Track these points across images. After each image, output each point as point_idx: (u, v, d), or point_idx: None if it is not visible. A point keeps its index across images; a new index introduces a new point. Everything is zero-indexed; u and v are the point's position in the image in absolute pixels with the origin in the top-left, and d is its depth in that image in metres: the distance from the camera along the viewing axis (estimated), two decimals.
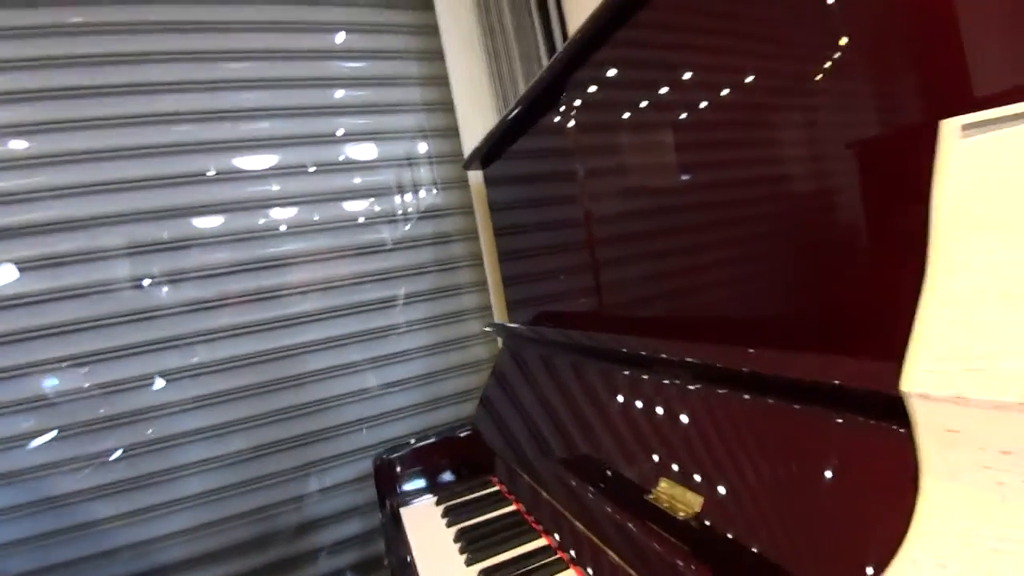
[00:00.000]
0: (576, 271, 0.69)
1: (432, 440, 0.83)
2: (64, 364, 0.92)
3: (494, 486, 0.73)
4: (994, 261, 0.21)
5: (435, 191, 1.21)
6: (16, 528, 0.89)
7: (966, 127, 0.23)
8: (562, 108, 0.66)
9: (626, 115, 0.54)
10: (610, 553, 0.43)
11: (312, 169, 1.09)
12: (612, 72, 0.55)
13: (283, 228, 1.06)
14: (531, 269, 0.87)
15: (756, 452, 0.34)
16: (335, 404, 1.09)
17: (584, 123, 0.63)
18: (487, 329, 1.14)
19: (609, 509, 0.44)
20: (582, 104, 0.62)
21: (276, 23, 1.07)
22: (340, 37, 1.13)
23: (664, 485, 0.41)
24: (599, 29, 0.53)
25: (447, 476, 0.81)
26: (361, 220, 1.14)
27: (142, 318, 0.97)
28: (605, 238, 0.63)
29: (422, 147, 1.20)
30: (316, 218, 1.09)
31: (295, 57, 1.08)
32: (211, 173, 1.02)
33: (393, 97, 1.17)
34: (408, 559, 0.59)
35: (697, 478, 0.38)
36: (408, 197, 1.19)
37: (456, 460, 0.82)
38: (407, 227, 1.18)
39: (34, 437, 0.91)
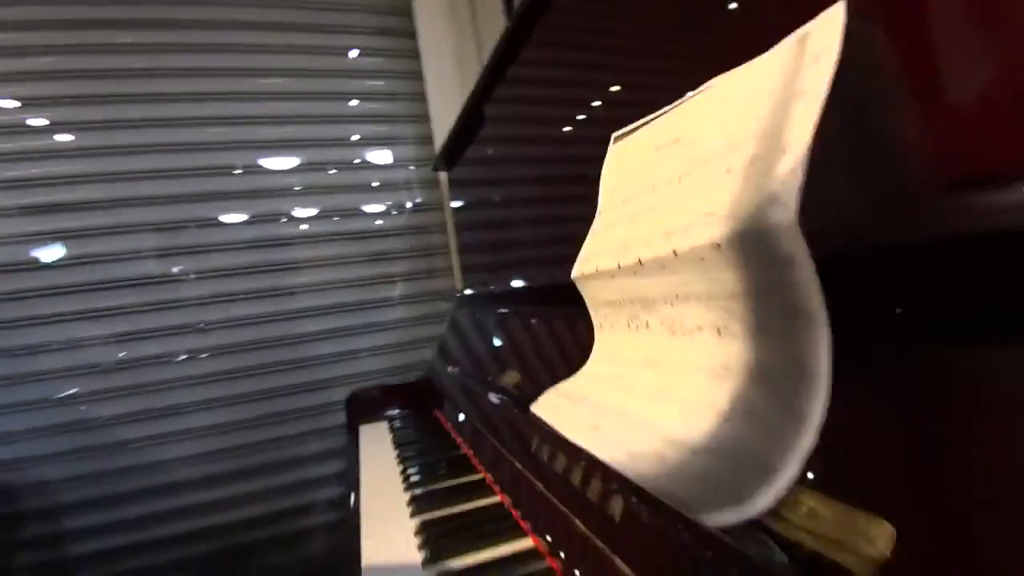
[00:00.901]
0: (516, 247, 0.89)
1: (392, 383, 1.05)
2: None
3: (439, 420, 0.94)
4: (607, 212, 0.42)
5: (415, 190, 1.43)
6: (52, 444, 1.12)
7: (616, 137, 0.44)
8: (491, 117, 0.87)
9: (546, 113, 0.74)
10: (516, 463, 0.54)
11: (315, 168, 1.32)
12: (523, 83, 0.76)
13: (290, 215, 1.29)
14: (483, 257, 1.08)
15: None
16: (321, 362, 1.31)
17: (502, 136, 0.84)
18: (447, 300, 1.35)
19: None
20: (503, 115, 0.83)
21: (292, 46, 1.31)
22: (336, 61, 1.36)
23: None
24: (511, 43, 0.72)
25: (401, 410, 1.02)
26: (354, 212, 1.36)
27: (168, 281, 1.20)
28: (538, 219, 0.81)
29: (406, 152, 1.42)
30: (315, 208, 1.32)
31: (308, 75, 1.32)
32: (238, 171, 1.25)
33: (384, 110, 1.40)
34: (357, 456, 0.80)
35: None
36: (392, 195, 1.41)
37: (411, 399, 1.03)
38: (392, 219, 1.40)
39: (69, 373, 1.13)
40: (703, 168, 0.30)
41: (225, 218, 1.25)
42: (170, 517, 1.19)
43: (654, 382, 0.34)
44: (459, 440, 0.75)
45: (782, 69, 0.26)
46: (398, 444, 0.81)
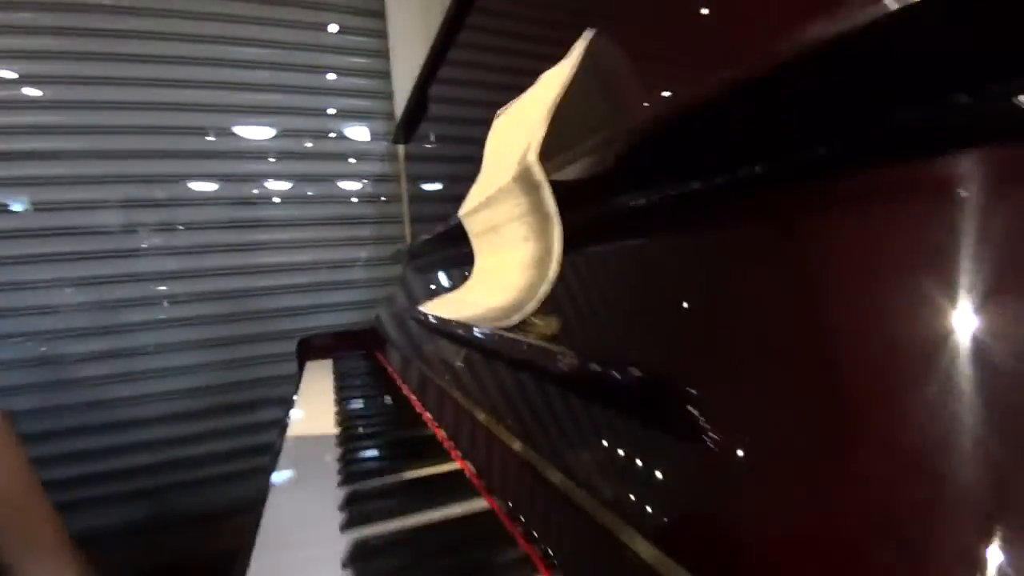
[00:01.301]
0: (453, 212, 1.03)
1: (339, 331, 1.19)
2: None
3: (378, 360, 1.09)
4: (484, 169, 0.57)
5: (377, 162, 1.55)
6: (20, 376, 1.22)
7: (497, 114, 0.58)
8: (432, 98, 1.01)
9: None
10: (423, 369, 0.75)
11: (286, 135, 1.43)
12: (461, 66, 0.90)
13: (258, 177, 1.41)
14: (428, 225, 1.22)
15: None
16: (282, 315, 1.43)
17: (444, 115, 0.98)
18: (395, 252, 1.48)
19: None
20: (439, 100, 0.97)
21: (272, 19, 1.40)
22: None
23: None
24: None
25: (348, 353, 1.16)
26: (321, 177, 1.48)
27: (133, 231, 1.30)
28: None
29: (373, 126, 1.54)
30: (282, 171, 1.43)
31: (284, 47, 1.42)
32: (209, 138, 1.35)
33: (353, 85, 1.51)
34: (298, 381, 0.94)
35: None
36: (357, 166, 1.53)
37: (356, 344, 1.17)
38: (356, 188, 1.52)
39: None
40: (520, 135, 0.45)
41: (195, 180, 1.36)
42: (131, 450, 1.30)
43: (495, 280, 0.49)
44: (385, 364, 0.90)
45: (560, 71, 0.41)
46: (337, 372, 0.95)
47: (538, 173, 0.37)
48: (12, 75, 1.21)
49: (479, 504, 0.40)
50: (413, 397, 0.69)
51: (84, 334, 1.27)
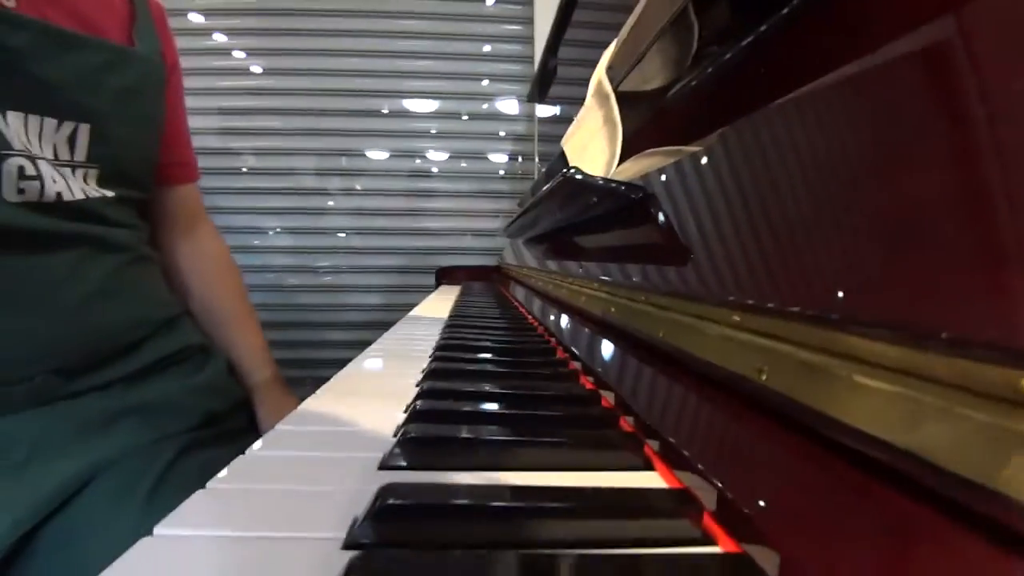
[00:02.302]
0: None
1: (470, 265, 1.38)
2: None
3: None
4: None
5: (516, 121, 1.71)
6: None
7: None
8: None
9: None
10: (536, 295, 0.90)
11: (443, 97, 1.66)
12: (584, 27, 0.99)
13: (423, 147, 1.66)
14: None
15: None
16: (434, 253, 1.68)
17: (571, 77, 1.07)
18: None
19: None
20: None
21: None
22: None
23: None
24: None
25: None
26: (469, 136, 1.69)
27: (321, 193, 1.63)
28: None
29: (516, 88, 1.69)
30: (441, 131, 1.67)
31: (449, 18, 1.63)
32: (384, 111, 1.64)
33: (506, 51, 1.67)
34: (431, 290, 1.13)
35: None
36: (496, 123, 1.70)
37: (483, 276, 1.36)
38: (496, 145, 1.70)
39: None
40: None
41: (371, 150, 1.65)
42: (315, 346, 1.67)
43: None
44: (503, 290, 1.05)
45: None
46: (463, 289, 1.13)
47: (606, 84, 0.46)
48: (241, 58, 1.59)
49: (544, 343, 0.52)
50: (521, 308, 0.83)
51: (286, 269, 1.65)
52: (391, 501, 0.18)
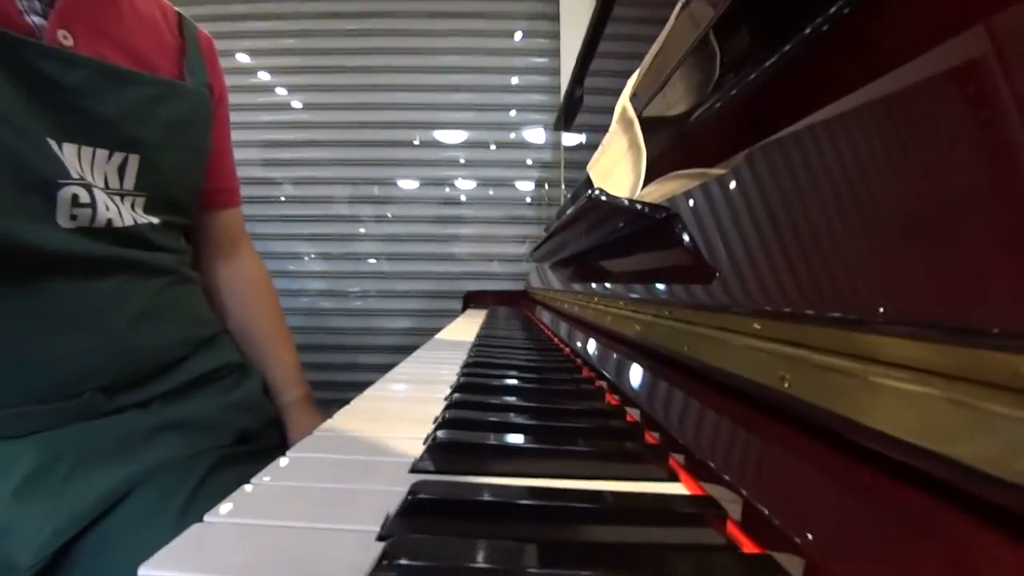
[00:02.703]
0: None
1: (498, 289, 1.39)
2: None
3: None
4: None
5: (543, 149, 1.75)
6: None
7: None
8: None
9: None
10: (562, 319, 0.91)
11: (472, 127, 1.71)
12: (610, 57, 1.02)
13: (452, 176, 1.71)
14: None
15: None
16: (459, 277, 1.71)
17: (595, 106, 1.10)
18: None
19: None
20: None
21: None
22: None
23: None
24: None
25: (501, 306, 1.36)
26: (497, 164, 1.73)
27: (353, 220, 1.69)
28: None
29: (542, 118, 1.74)
30: (470, 159, 1.72)
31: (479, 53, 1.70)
32: (415, 143, 1.70)
33: (533, 82, 1.73)
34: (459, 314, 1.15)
35: None
36: (524, 152, 1.74)
37: (510, 301, 1.37)
38: (523, 172, 1.74)
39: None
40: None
41: (402, 180, 1.72)
42: (344, 368, 1.70)
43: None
44: (530, 314, 1.06)
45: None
46: (489, 313, 1.14)
47: (630, 110, 0.48)
48: (283, 95, 1.69)
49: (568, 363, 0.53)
50: (547, 330, 0.83)
51: (319, 294, 1.71)
52: (422, 496, 0.19)
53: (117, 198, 0.50)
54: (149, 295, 0.53)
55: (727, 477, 0.22)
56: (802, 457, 0.20)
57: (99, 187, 0.48)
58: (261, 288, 0.78)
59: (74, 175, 0.46)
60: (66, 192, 0.45)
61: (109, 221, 0.49)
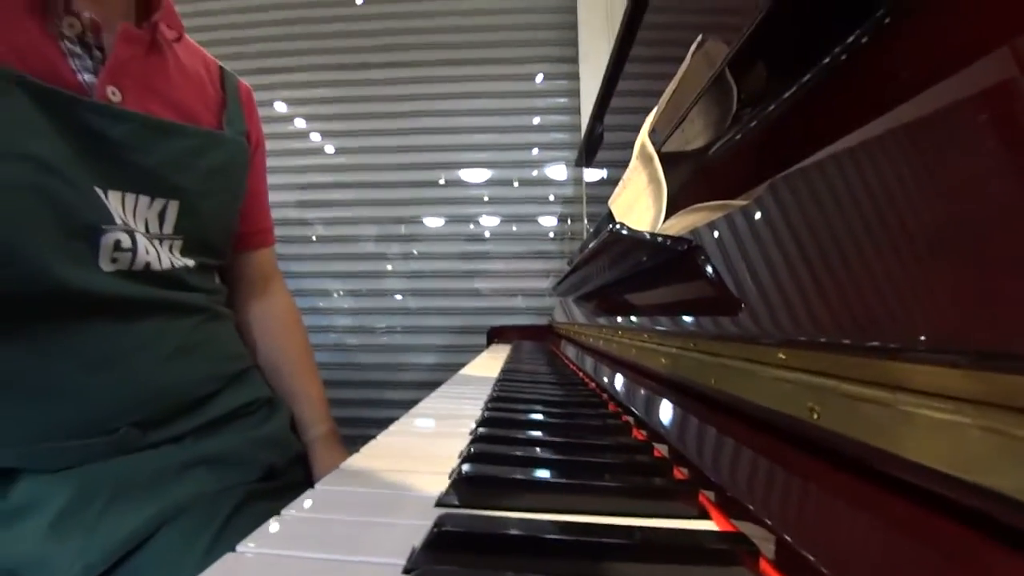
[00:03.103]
0: None
1: (519, 325, 1.40)
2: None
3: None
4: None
5: (565, 185, 1.77)
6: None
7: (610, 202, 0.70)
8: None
9: None
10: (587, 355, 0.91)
11: (495, 166, 1.76)
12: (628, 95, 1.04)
13: (476, 213, 1.75)
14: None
15: None
16: (483, 313, 1.72)
17: (616, 142, 1.12)
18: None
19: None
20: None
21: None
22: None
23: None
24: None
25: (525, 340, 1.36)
26: (519, 201, 1.77)
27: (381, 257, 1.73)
28: None
29: (564, 155, 1.77)
30: (493, 197, 1.76)
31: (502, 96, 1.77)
32: (441, 182, 1.76)
33: (554, 122, 1.78)
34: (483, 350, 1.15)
35: None
36: (546, 188, 1.77)
37: (535, 336, 1.36)
38: (546, 208, 1.77)
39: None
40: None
41: (428, 217, 1.76)
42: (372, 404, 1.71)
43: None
44: (554, 349, 1.06)
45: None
46: (513, 347, 1.14)
47: (649, 146, 0.49)
48: (317, 140, 1.77)
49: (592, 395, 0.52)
50: (571, 365, 0.83)
51: (346, 330, 1.74)
52: (447, 528, 0.19)
53: (156, 242, 0.52)
54: (183, 334, 0.55)
55: (758, 514, 0.21)
56: (835, 490, 0.20)
57: (140, 232, 0.50)
58: (291, 324, 0.80)
59: (118, 221, 0.48)
60: (109, 238, 0.47)
61: (147, 264, 0.51)
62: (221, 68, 0.65)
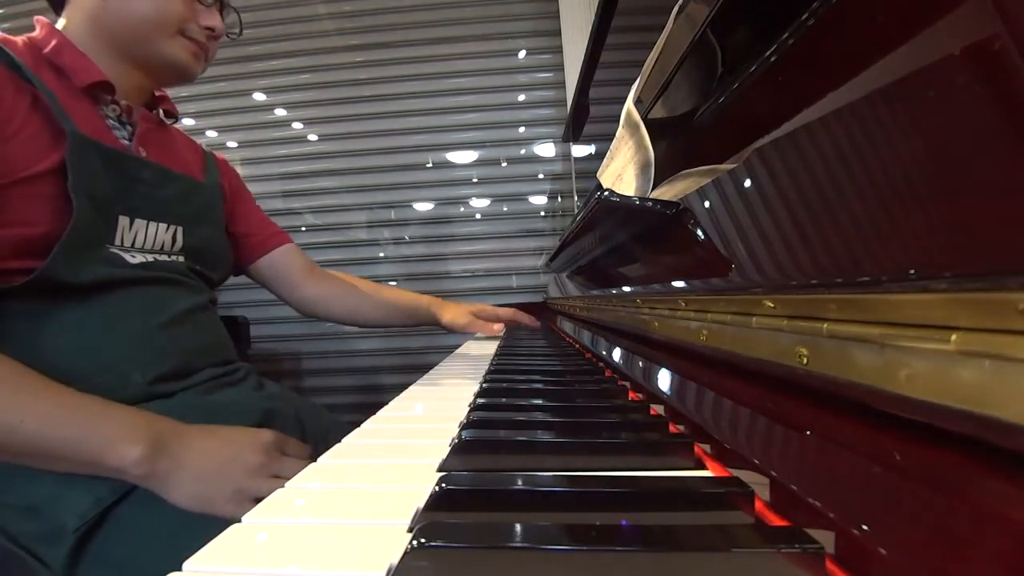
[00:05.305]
0: None
1: (518, 302, 1.40)
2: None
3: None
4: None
5: (553, 161, 1.76)
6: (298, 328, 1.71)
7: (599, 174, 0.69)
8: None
9: None
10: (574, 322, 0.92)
11: (483, 146, 1.74)
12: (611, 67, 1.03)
13: (465, 195, 1.74)
14: None
15: None
16: (475, 293, 1.72)
17: (601, 115, 1.11)
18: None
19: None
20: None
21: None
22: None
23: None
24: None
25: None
26: (507, 180, 1.75)
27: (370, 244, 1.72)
28: None
29: (550, 131, 1.76)
30: (482, 177, 1.74)
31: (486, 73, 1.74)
32: (428, 166, 1.74)
33: (540, 97, 1.76)
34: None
35: None
36: (534, 165, 1.76)
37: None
38: (534, 186, 1.76)
39: None
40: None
41: (418, 202, 1.75)
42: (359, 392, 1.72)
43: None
44: (551, 325, 1.06)
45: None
46: (508, 329, 1.15)
47: (635, 114, 0.49)
48: (299, 128, 1.75)
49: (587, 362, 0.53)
50: (568, 338, 0.83)
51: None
52: (450, 486, 0.19)
53: (167, 254, 0.70)
54: (182, 305, 0.68)
55: (752, 458, 0.22)
56: (825, 432, 0.20)
57: (157, 250, 0.69)
58: (349, 280, 0.99)
59: (140, 238, 0.66)
60: (135, 250, 0.66)
61: (156, 259, 0.68)
62: (202, 150, 0.84)
